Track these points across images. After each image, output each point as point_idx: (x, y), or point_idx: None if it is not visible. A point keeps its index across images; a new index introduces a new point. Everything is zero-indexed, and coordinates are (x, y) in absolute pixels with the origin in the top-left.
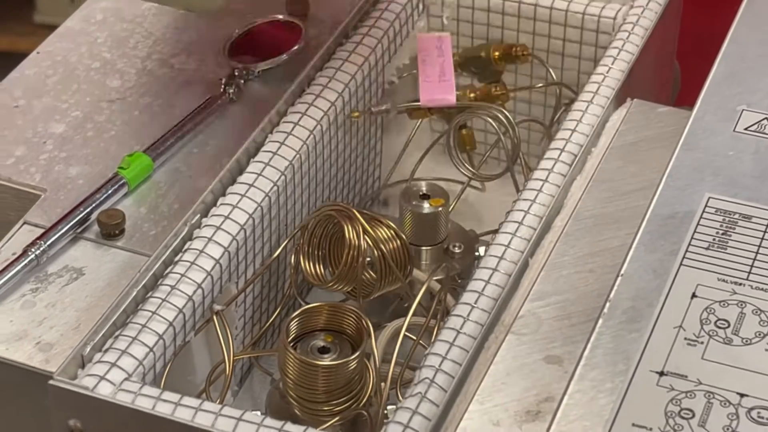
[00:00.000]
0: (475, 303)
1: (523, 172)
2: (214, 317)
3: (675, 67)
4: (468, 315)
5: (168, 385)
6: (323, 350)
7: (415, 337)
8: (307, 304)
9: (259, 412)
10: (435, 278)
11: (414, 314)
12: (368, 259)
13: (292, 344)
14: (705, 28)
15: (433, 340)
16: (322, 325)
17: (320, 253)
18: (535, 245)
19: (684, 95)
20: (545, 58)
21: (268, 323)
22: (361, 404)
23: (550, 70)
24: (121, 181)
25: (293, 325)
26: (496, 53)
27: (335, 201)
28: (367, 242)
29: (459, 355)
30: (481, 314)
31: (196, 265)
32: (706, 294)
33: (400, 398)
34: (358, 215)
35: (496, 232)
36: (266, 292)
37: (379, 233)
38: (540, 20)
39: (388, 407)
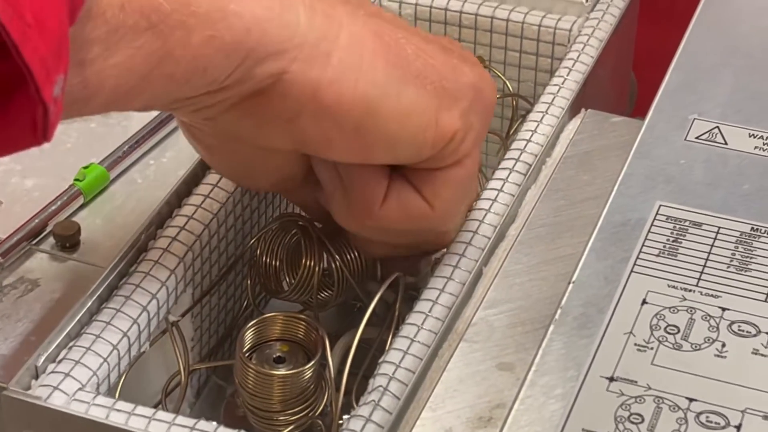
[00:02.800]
0: (429, 312)
1: (480, 183)
2: (170, 328)
3: (632, 80)
4: (422, 324)
5: (123, 397)
6: (278, 360)
7: (371, 347)
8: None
9: (215, 423)
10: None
11: (371, 324)
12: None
13: (247, 354)
14: (661, 41)
15: (387, 348)
16: (277, 335)
17: (277, 263)
18: (489, 254)
19: (640, 107)
20: (502, 69)
21: (224, 334)
22: (317, 413)
23: (507, 82)
24: (77, 193)
25: (248, 335)
26: None
27: (292, 211)
28: (324, 253)
29: (412, 363)
30: (435, 323)
31: (151, 275)
32: (656, 300)
33: (356, 407)
34: (315, 225)
35: None
36: (223, 302)
37: (336, 243)
38: (496, 32)
39: (344, 417)
